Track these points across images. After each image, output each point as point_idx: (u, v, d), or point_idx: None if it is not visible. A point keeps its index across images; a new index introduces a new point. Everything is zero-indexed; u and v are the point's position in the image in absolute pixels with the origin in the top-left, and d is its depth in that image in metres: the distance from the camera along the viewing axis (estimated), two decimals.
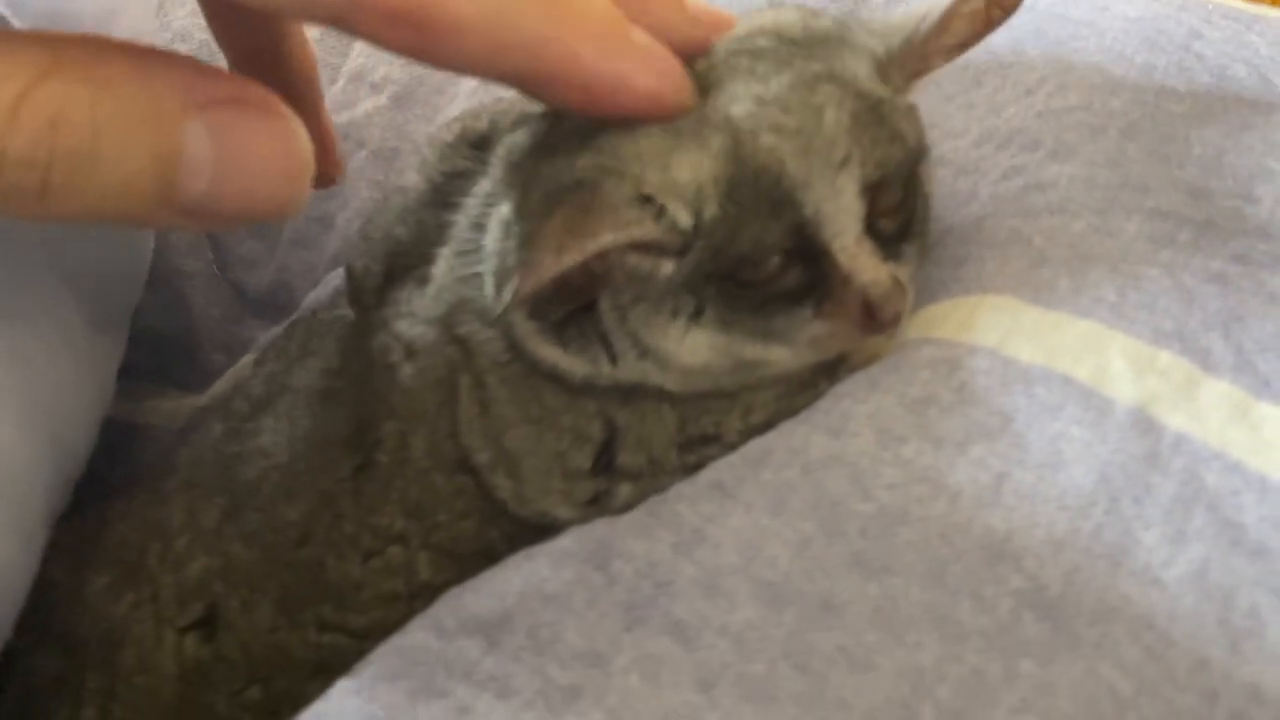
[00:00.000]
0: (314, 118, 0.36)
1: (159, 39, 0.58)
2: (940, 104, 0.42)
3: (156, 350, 0.56)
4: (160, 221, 0.24)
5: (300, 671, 0.37)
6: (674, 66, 0.30)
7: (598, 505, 0.34)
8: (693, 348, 0.32)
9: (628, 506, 0.33)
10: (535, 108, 0.34)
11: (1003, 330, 0.33)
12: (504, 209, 0.33)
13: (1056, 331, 0.32)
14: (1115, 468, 0.29)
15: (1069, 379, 0.31)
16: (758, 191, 0.30)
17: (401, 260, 0.39)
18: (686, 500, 0.32)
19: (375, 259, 0.40)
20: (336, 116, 0.56)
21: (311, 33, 0.58)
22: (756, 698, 0.27)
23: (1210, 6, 0.43)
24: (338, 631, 0.36)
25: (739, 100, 0.31)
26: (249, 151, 0.23)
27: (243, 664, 0.37)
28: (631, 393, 0.34)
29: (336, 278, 0.50)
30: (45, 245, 0.42)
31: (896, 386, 0.32)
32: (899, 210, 0.33)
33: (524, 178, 0.32)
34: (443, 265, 0.36)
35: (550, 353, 0.33)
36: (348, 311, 0.40)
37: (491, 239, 0.33)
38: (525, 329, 0.33)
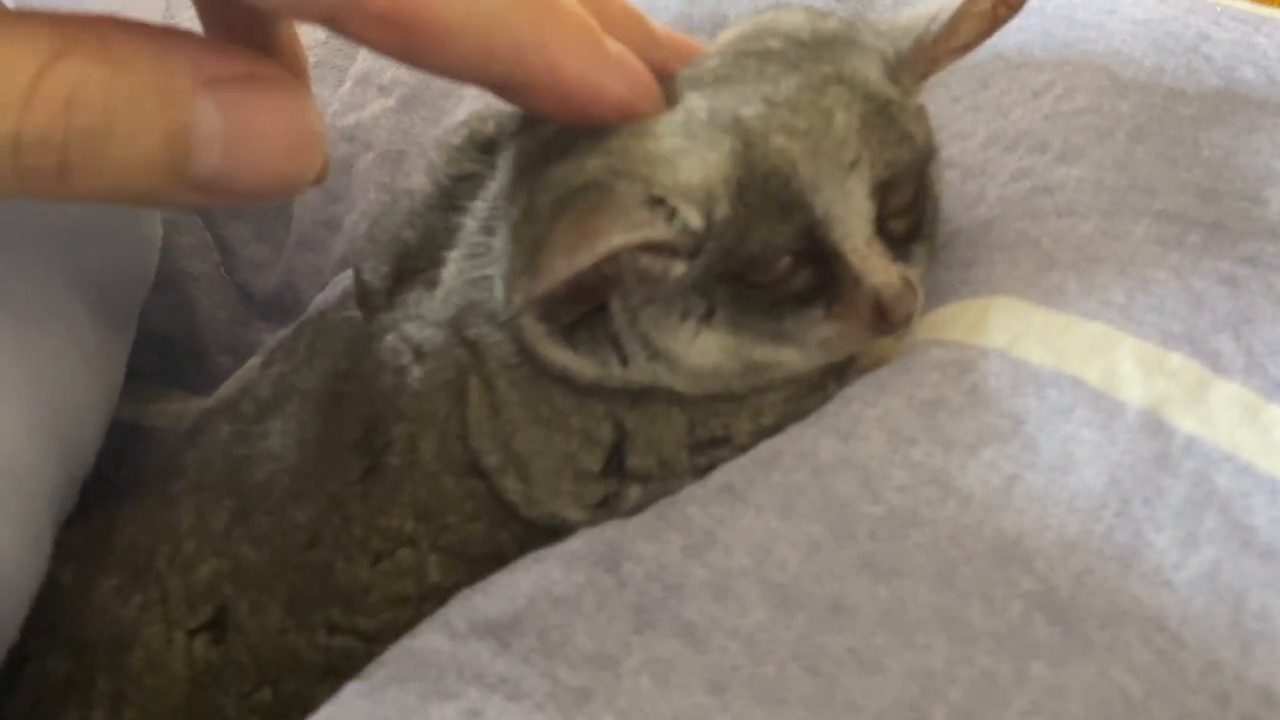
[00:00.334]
0: None
1: None
2: (948, 106, 0.42)
3: (163, 353, 0.56)
4: (175, 199, 0.24)
5: (310, 674, 0.37)
6: (645, 76, 0.30)
7: (607, 507, 0.34)
8: (703, 349, 0.32)
9: (638, 509, 0.33)
10: None
11: (1012, 332, 0.33)
12: (513, 212, 0.33)
13: (1066, 334, 0.32)
14: (1126, 470, 0.29)
15: (1079, 381, 0.31)
16: (768, 193, 0.30)
17: (410, 263, 0.39)
18: (697, 503, 0.32)
19: (383, 262, 0.40)
20: (344, 118, 0.56)
21: (319, 34, 0.58)
22: (767, 700, 0.27)
23: (1218, 8, 0.43)
24: (347, 634, 0.36)
25: (749, 102, 0.31)
26: (260, 127, 0.24)
27: (252, 666, 0.37)
28: (641, 395, 0.34)
29: (344, 280, 0.50)
30: (53, 244, 0.42)
31: (906, 389, 0.32)
32: (909, 211, 0.33)
33: (533, 181, 0.32)
34: (451, 268, 0.36)
35: (560, 355, 0.33)
36: (356, 313, 0.40)
37: (501, 242, 0.33)
38: (535, 331, 0.33)
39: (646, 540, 0.31)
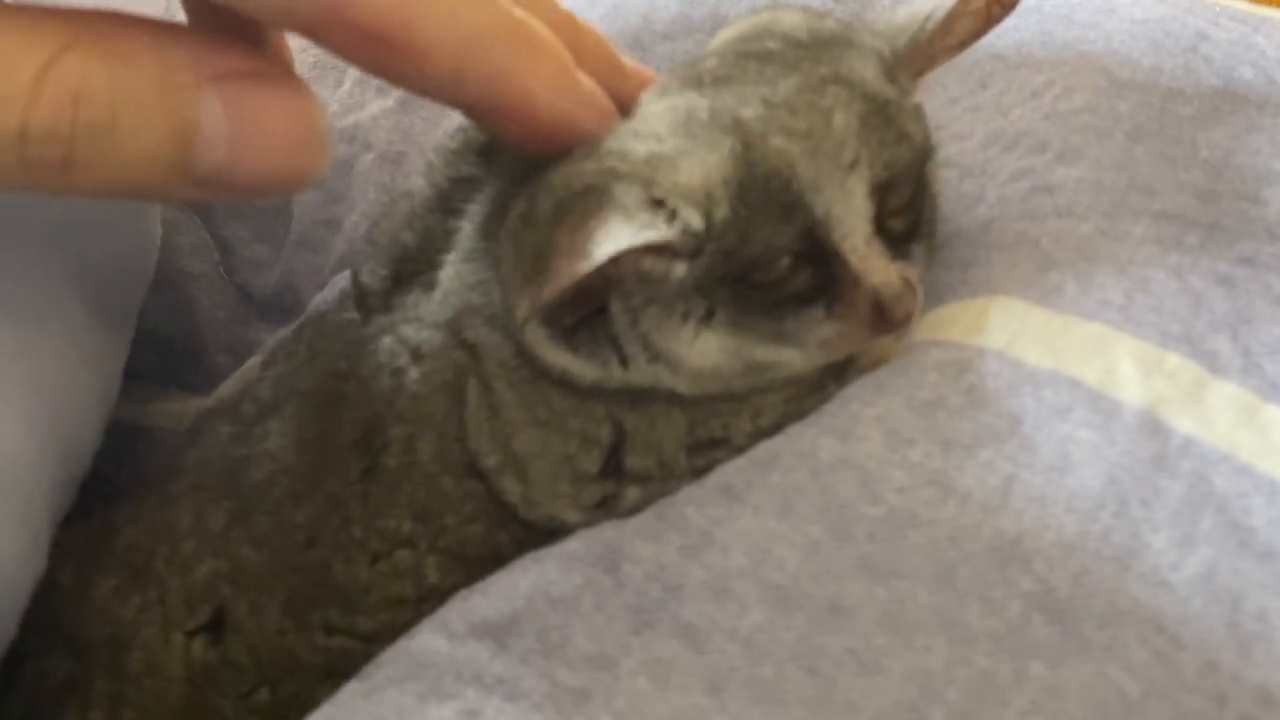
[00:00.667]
0: None
1: None
2: (946, 106, 0.42)
3: (162, 353, 0.56)
4: (179, 193, 0.24)
5: (308, 675, 0.37)
6: (612, 112, 0.31)
7: (605, 509, 0.34)
8: (704, 350, 0.32)
9: (636, 510, 0.33)
10: None
11: (1011, 333, 0.33)
12: (513, 216, 0.33)
13: (1064, 334, 0.32)
14: (1124, 470, 0.29)
15: (1077, 381, 0.31)
16: (768, 194, 0.30)
17: (408, 266, 0.39)
18: (695, 503, 0.32)
19: (381, 264, 0.40)
20: (343, 119, 0.56)
21: None
22: (765, 701, 0.27)
23: (1216, 8, 0.43)
24: (346, 635, 0.36)
25: (748, 103, 0.31)
26: (264, 123, 0.24)
27: (250, 667, 0.37)
28: (641, 396, 0.34)
29: (343, 280, 0.50)
30: (51, 242, 0.42)
31: (905, 389, 0.32)
32: (907, 210, 0.33)
33: (533, 185, 0.32)
34: (449, 271, 0.36)
35: (560, 357, 0.33)
36: (355, 314, 0.40)
37: (501, 247, 0.33)
38: (536, 335, 0.33)
39: (645, 541, 0.31)
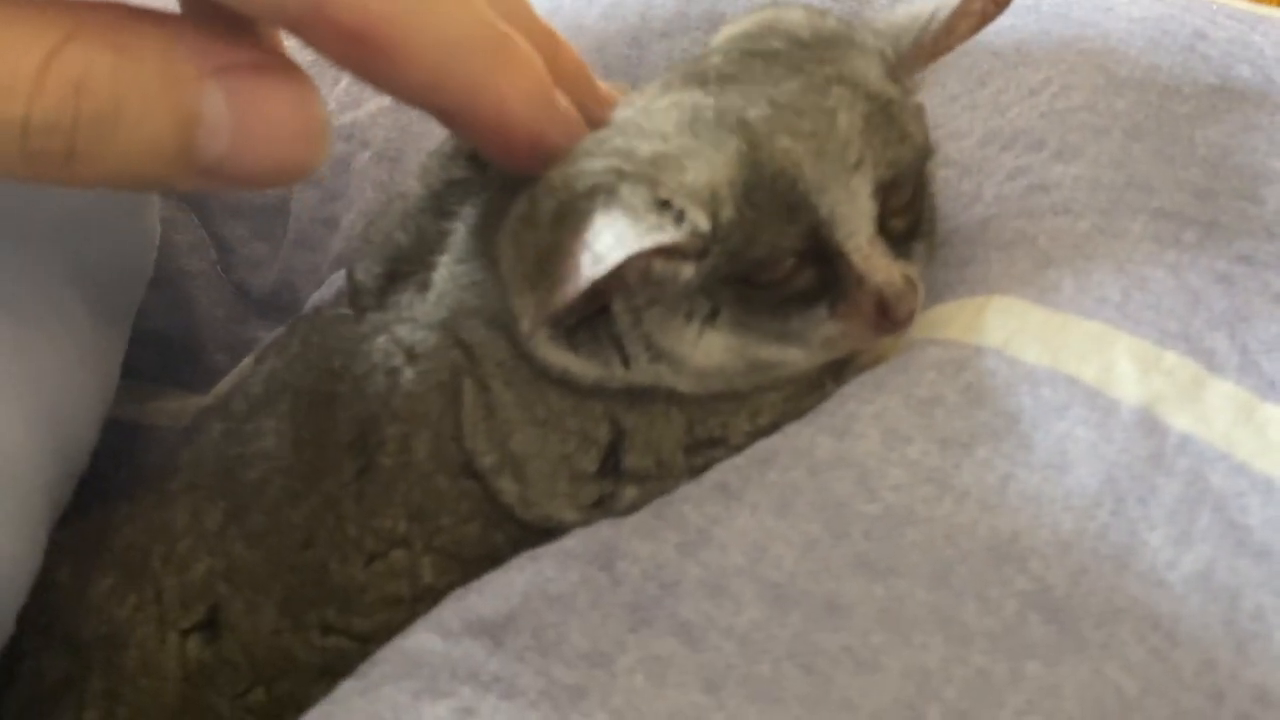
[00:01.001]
0: None
1: None
2: (944, 104, 0.42)
3: (160, 351, 0.56)
4: (182, 184, 0.24)
5: (304, 674, 0.37)
6: (585, 132, 0.31)
7: (602, 508, 0.34)
8: (708, 350, 0.32)
9: (633, 509, 0.33)
10: None
11: (1008, 331, 0.33)
12: (513, 217, 0.32)
13: (1062, 332, 0.32)
14: (1121, 468, 0.29)
15: (1075, 380, 0.31)
16: (774, 195, 0.30)
17: (402, 265, 0.39)
18: (692, 501, 0.32)
19: (376, 262, 0.40)
20: (340, 117, 0.56)
21: None
22: (762, 698, 0.27)
23: (1214, 7, 0.43)
24: (341, 634, 0.36)
25: (754, 103, 0.31)
26: (266, 113, 0.24)
27: (246, 666, 0.37)
28: (640, 395, 0.34)
29: (340, 278, 0.50)
30: (50, 239, 0.42)
31: (903, 387, 0.32)
32: (908, 209, 0.33)
33: (533, 185, 0.32)
34: (443, 272, 0.36)
35: (561, 357, 0.33)
36: (349, 312, 0.40)
37: (500, 248, 0.33)
38: (537, 336, 0.33)
39: (642, 539, 0.31)
